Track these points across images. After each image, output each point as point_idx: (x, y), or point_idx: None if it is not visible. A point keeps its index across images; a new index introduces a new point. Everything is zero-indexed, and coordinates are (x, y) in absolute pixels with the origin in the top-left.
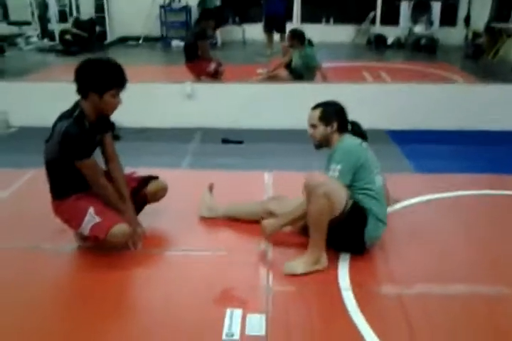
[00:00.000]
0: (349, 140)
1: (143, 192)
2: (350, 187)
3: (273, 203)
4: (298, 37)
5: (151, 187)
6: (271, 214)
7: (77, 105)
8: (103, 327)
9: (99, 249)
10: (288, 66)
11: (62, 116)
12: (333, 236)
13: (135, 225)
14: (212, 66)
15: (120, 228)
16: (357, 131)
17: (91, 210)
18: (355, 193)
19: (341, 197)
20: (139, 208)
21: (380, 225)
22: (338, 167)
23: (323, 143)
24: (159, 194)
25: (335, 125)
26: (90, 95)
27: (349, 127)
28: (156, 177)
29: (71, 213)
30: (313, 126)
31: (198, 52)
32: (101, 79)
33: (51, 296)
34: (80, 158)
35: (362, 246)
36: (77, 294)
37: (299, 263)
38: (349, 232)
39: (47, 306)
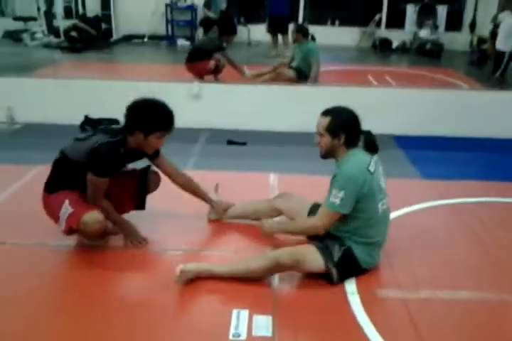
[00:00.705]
0: (355, 160)
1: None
2: (346, 218)
3: (280, 201)
4: (302, 31)
5: (152, 176)
6: (279, 212)
7: (124, 131)
8: (107, 325)
9: (103, 246)
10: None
11: (108, 131)
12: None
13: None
14: (212, 63)
15: (91, 215)
16: (369, 141)
17: (66, 202)
18: (350, 229)
19: (316, 267)
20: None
21: (376, 252)
22: (341, 194)
23: (329, 154)
24: (157, 182)
25: (342, 138)
26: (136, 133)
27: (361, 137)
28: (148, 167)
29: (52, 208)
30: (320, 134)
31: (203, 58)
32: (150, 121)
33: (55, 292)
34: (96, 173)
35: (362, 272)
36: (81, 290)
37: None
38: (351, 272)
39: (51, 302)
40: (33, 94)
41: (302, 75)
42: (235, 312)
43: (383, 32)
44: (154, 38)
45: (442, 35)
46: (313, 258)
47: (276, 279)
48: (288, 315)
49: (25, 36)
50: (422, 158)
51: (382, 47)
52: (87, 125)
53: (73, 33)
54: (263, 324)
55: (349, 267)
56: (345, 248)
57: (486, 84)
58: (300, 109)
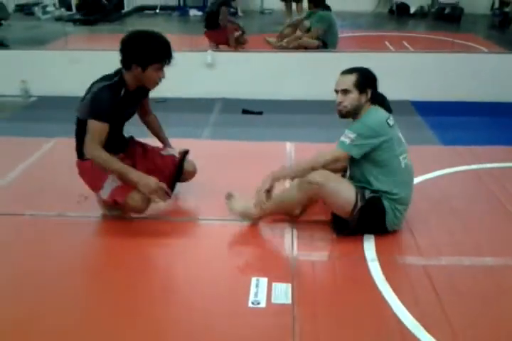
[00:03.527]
0: (377, 114)
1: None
2: (365, 167)
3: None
4: (313, 0)
5: (188, 167)
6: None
7: (119, 72)
8: (130, 292)
9: (123, 217)
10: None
11: (102, 78)
12: (356, 227)
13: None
14: (236, 34)
15: (139, 192)
16: (384, 104)
17: (113, 177)
18: (369, 180)
19: (346, 198)
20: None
21: (400, 211)
22: (352, 136)
23: (352, 112)
24: (191, 175)
25: (369, 94)
26: (133, 67)
27: (382, 99)
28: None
29: (93, 175)
30: (345, 91)
31: (219, 20)
32: (145, 53)
33: (77, 263)
34: (94, 117)
35: (385, 231)
36: (103, 261)
37: (238, 204)
38: (370, 225)
39: (74, 272)
40: (47, 67)
41: (324, 44)
42: (254, 280)
43: None
44: (166, 8)
45: None
46: (346, 189)
47: (295, 246)
48: (307, 282)
49: (37, 9)
50: (441, 124)
51: (400, 13)
52: None
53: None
54: (282, 291)
55: (373, 217)
56: (375, 195)
57: (508, 47)
58: (316, 76)
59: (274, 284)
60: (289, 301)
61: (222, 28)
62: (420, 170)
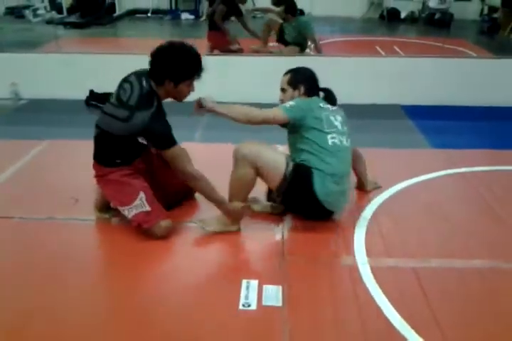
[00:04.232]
0: (310, 99)
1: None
2: (298, 139)
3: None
4: (290, 11)
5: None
6: None
7: (152, 91)
8: (119, 292)
9: (114, 220)
10: (281, 39)
11: (142, 103)
12: (289, 202)
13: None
14: (236, 46)
15: (167, 223)
16: (327, 96)
17: (142, 196)
18: (300, 150)
19: (275, 165)
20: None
21: (329, 180)
22: (292, 103)
23: None
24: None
25: (302, 89)
26: (166, 82)
27: (321, 94)
28: None
29: (118, 189)
30: (282, 90)
31: (214, 19)
32: (180, 70)
33: (66, 266)
34: (170, 147)
35: (321, 207)
36: (93, 265)
37: (212, 221)
38: (300, 194)
39: (63, 276)
40: (38, 70)
41: (301, 48)
42: (244, 282)
43: (391, 2)
44: (158, 12)
45: (452, 4)
46: (277, 158)
47: (285, 249)
48: (298, 284)
49: (28, 12)
50: (431, 128)
51: (391, 18)
52: (92, 100)
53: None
54: (273, 294)
55: (300, 181)
56: (298, 162)
57: (497, 52)
58: None
59: (264, 286)
60: (280, 303)
61: (225, 34)
62: (410, 173)
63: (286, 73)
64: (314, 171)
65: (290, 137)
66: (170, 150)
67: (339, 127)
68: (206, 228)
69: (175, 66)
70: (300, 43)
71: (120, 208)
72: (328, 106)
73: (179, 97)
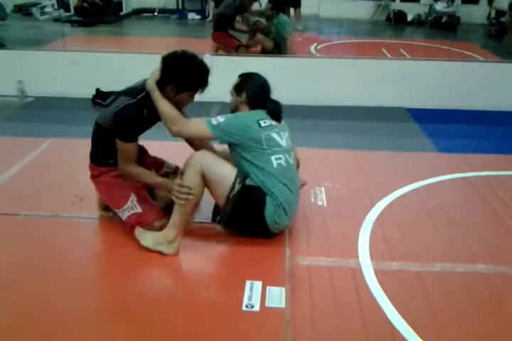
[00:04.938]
0: (250, 114)
1: None
2: (239, 158)
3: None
4: (277, 8)
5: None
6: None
7: (144, 88)
8: (123, 293)
9: (118, 218)
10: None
11: (129, 92)
12: (233, 219)
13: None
14: (240, 49)
15: (162, 222)
16: (272, 110)
17: (133, 198)
18: (246, 171)
19: (222, 177)
20: None
21: (281, 209)
22: (221, 119)
23: (234, 112)
24: None
25: (243, 97)
26: (168, 88)
27: (268, 106)
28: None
29: (110, 191)
30: (231, 93)
31: (229, 24)
32: (186, 79)
33: (70, 264)
34: (122, 139)
35: (268, 231)
36: (97, 262)
37: (149, 236)
38: (248, 216)
39: (67, 273)
40: (44, 68)
41: (278, 47)
42: (248, 283)
43: (398, 4)
44: (165, 11)
45: (459, 7)
46: (226, 172)
47: (289, 251)
48: (301, 287)
49: (35, 10)
50: (438, 131)
51: (397, 20)
52: (98, 98)
53: (84, 5)
54: (276, 295)
55: (250, 206)
56: (256, 185)
57: (504, 56)
58: (312, 81)
59: (268, 288)
60: (283, 305)
61: (231, 36)
62: (415, 176)
63: (238, 76)
64: (267, 198)
65: (231, 151)
66: (121, 142)
67: (283, 144)
68: (141, 241)
69: (184, 74)
70: (278, 42)
71: (115, 210)
72: (271, 122)
73: (177, 104)
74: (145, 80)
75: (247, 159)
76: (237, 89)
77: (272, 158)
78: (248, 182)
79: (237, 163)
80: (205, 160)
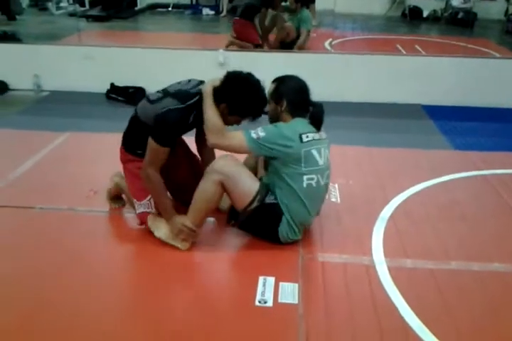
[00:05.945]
0: (294, 123)
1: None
2: (275, 170)
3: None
4: (300, 0)
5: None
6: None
7: (200, 98)
8: (137, 286)
9: (131, 212)
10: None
11: (178, 95)
12: (247, 227)
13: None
14: (260, 46)
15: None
16: (315, 116)
17: (150, 197)
18: (274, 183)
19: (242, 191)
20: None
21: (296, 227)
22: (262, 133)
23: (275, 122)
24: None
25: (284, 104)
26: (221, 106)
27: (311, 111)
28: None
29: (132, 181)
30: (268, 101)
31: (254, 17)
32: (242, 105)
33: (85, 257)
34: (158, 142)
35: (278, 241)
36: (111, 256)
37: (163, 227)
38: (262, 229)
39: (82, 266)
40: (60, 62)
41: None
42: (261, 279)
43: (414, 0)
44: (179, 6)
45: (476, 3)
46: (249, 184)
47: (303, 246)
48: (314, 283)
49: (51, 5)
50: (453, 129)
51: (413, 16)
52: (112, 93)
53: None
54: (289, 291)
55: (265, 221)
56: (276, 202)
57: None
58: (327, 77)
59: (281, 283)
60: (296, 301)
61: (255, 31)
62: (430, 173)
63: (273, 81)
64: (284, 215)
65: (270, 161)
66: (154, 142)
67: (320, 163)
68: (154, 231)
69: (240, 100)
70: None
71: (133, 200)
72: (313, 135)
73: (224, 122)
74: (198, 83)
75: (281, 173)
76: (275, 96)
77: (305, 177)
78: (268, 199)
79: (271, 172)
80: (228, 169)
